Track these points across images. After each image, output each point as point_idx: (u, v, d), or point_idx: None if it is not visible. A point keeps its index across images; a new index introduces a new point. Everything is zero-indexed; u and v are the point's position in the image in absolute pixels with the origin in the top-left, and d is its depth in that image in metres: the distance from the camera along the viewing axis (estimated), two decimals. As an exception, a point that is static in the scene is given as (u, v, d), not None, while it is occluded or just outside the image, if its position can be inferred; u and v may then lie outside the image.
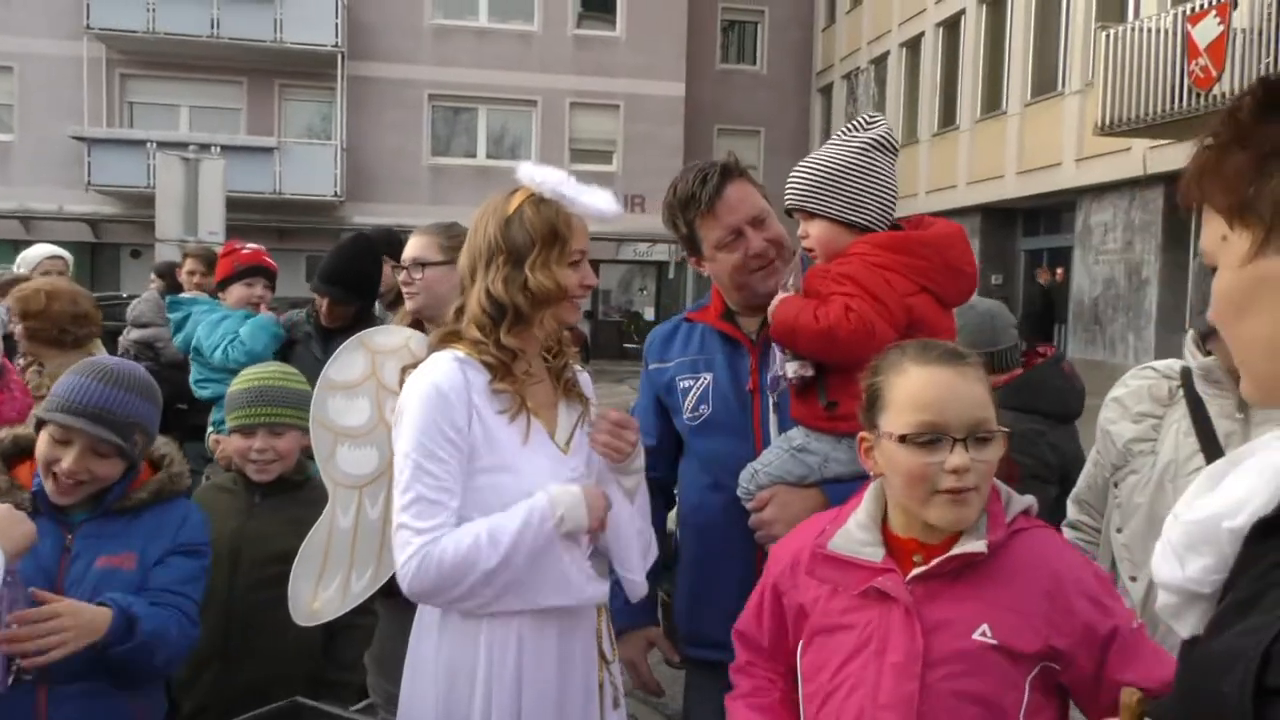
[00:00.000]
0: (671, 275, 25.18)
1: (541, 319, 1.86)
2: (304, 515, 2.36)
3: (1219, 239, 0.89)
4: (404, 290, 2.74)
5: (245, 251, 4.25)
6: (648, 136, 24.19)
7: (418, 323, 2.64)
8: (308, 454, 2.55)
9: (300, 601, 2.21)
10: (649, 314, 25.17)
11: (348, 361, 2.37)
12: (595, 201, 1.91)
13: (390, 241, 4.00)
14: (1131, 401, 2.19)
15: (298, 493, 2.55)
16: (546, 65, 23.60)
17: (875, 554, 1.50)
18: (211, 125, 21.85)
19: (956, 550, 1.44)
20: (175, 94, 22.38)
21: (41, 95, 21.17)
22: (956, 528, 1.47)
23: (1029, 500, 1.54)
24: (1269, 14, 10.59)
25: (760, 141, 26.28)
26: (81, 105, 21.25)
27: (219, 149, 15.33)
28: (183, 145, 15.31)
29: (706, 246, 2.17)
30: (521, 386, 1.86)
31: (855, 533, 1.53)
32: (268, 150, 21.48)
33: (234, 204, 12.67)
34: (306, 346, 3.83)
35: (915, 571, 1.46)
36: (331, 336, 3.67)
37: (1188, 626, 0.90)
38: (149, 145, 19.02)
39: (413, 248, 2.72)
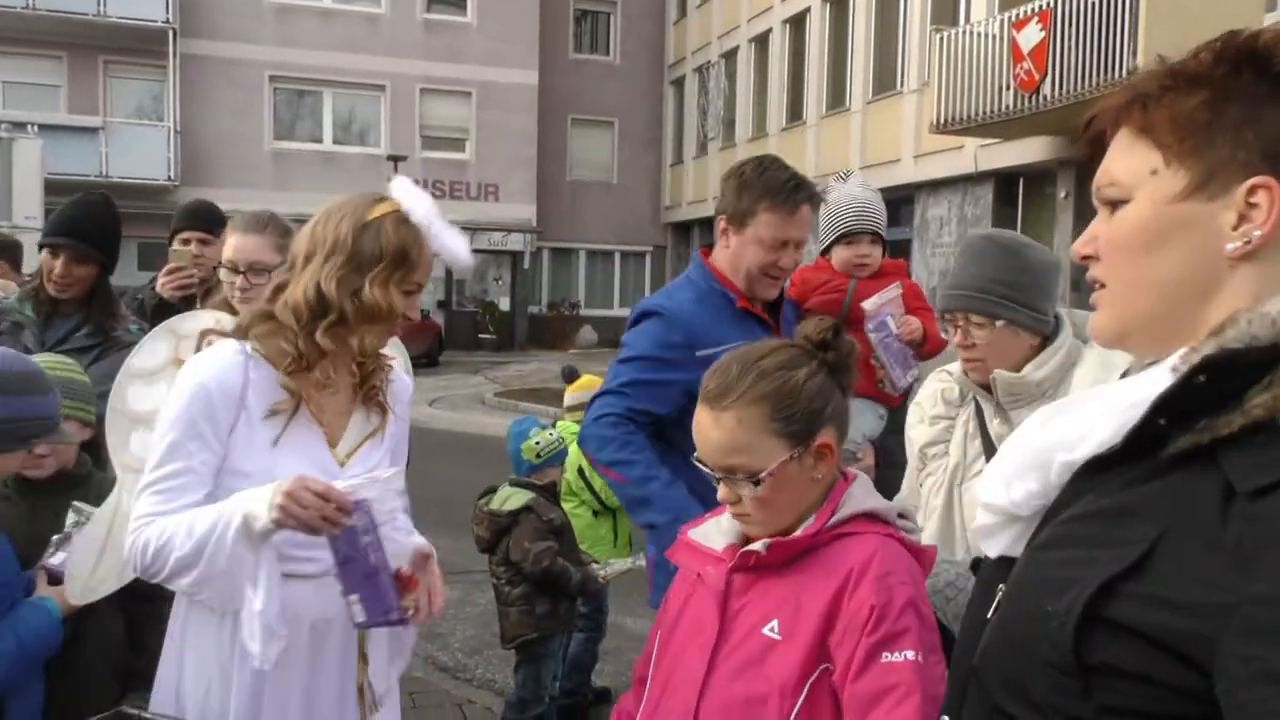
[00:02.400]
0: (527, 265, 25.02)
1: (362, 334, 1.81)
2: None
3: (1146, 171, 0.88)
4: (238, 294, 2.58)
5: None
6: (501, 125, 23.93)
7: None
8: (89, 449, 2.40)
9: (77, 579, 2.11)
10: (504, 304, 24.95)
11: (152, 349, 2.24)
12: (456, 246, 1.87)
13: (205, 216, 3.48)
14: (928, 405, 2.27)
15: (85, 490, 2.33)
16: (395, 49, 23.01)
17: (720, 542, 1.56)
18: (27, 102, 20.27)
19: (748, 547, 1.50)
20: (-16, 67, 20.71)
21: None
22: (750, 535, 1.54)
23: (874, 505, 1.51)
24: (1086, 22, 11.34)
25: (614, 132, 26.39)
26: (-126, 77, 19.41)
27: (36, 128, 14.28)
28: (-6, 123, 14.17)
29: (751, 228, 2.45)
30: (310, 390, 1.80)
31: (722, 521, 1.59)
32: (92, 130, 20.16)
33: (54, 187, 11.85)
34: (15, 338, 3.03)
35: (732, 564, 1.51)
36: (53, 321, 3.09)
37: (997, 546, 0.96)
38: (-45, 122, 17.53)
39: (245, 250, 2.53)
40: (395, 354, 2.12)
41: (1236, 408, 0.77)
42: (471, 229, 23.66)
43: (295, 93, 23.08)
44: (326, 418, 1.84)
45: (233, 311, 2.45)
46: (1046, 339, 2.05)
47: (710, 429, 1.50)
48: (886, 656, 1.36)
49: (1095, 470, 0.87)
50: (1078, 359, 2.03)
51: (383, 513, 1.70)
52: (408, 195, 1.84)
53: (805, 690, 1.40)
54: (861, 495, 1.53)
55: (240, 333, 1.83)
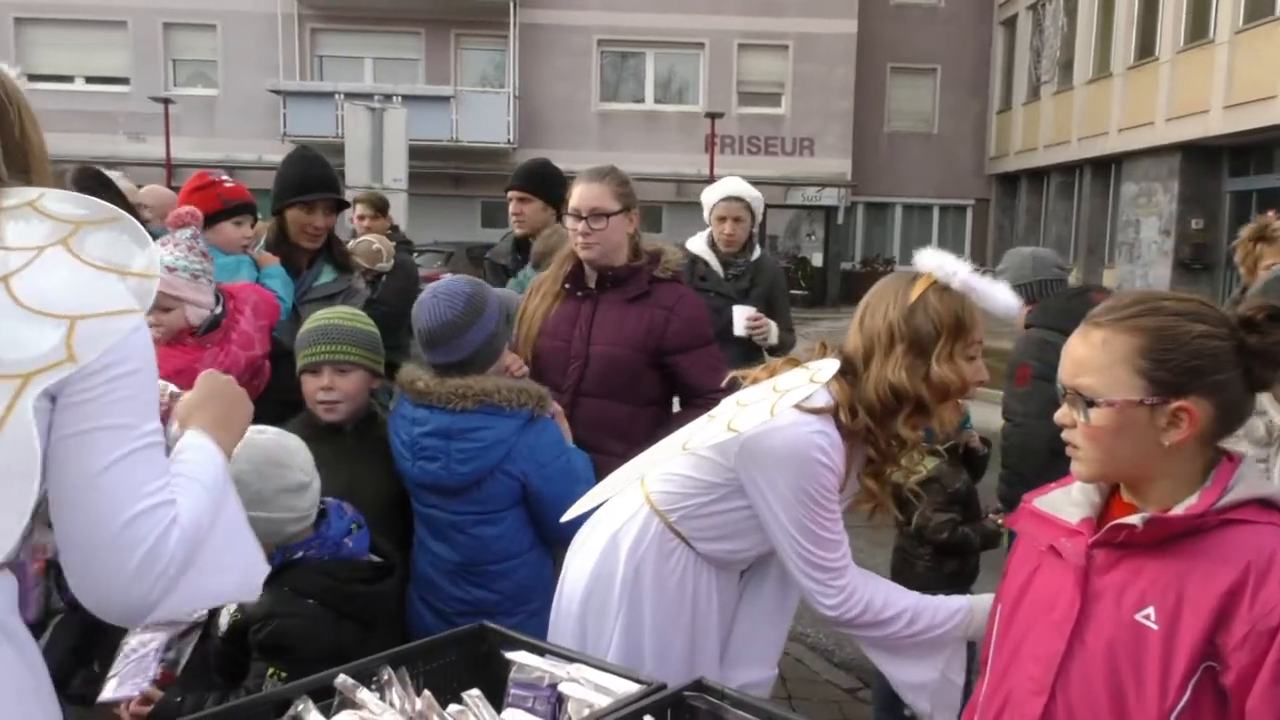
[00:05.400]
0: (840, 220, 24.61)
1: (940, 414, 1.89)
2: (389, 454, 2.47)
3: None
4: (580, 239, 2.80)
5: (229, 185, 3.42)
6: (817, 77, 23.56)
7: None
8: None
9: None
10: (816, 260, 24.74)
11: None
12: (999, 295, 1.88)
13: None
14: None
15: (379, 433, 2.52)
16: (714, 6, 23.25)
17: (1074, 514, 1.47)
18: (394, 76, 22.72)
19: (1119, 520, 1.39)
20: (360, 46, 23.37)
21: (241, 51, 22.57)
22: (1079, 480, 1.46)
23: (1271, 492, 1.36)
24: None
25: (936, 79, 25.13)
26: (277, 60, 22.52)
27: (400, 99, 15.96)
28: (368, 96, 16.02)
29: None
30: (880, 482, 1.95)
31: (1074, 492, 1.51)
32: (445, 99, 22.17)
33: (414, 152, 13.18)
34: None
35: (1096, 537, 1.41)
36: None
37: None
38: (337, 96, 19.99)
39: (588, 198, 2.76)
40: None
41: None
42: (784, 185, 23.61)
43: (619, 55, 24.04)
44: None
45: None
46: None
47: (1077, 343, 1.43)
48: None
49: None
50: None
51: None
52: (943, 264, 1.88)
53: (1190, 689, 1.31)
54: (1255, 479, 1.37)
55: (839, 413, 1.89)
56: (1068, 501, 1.50)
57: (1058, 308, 3.30)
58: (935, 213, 25.63)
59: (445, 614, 2.47)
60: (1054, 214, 22.48)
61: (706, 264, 4.26)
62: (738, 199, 4.25)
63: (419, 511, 2.53)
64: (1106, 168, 20.34)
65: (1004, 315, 1.91)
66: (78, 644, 2.41)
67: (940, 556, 3.59)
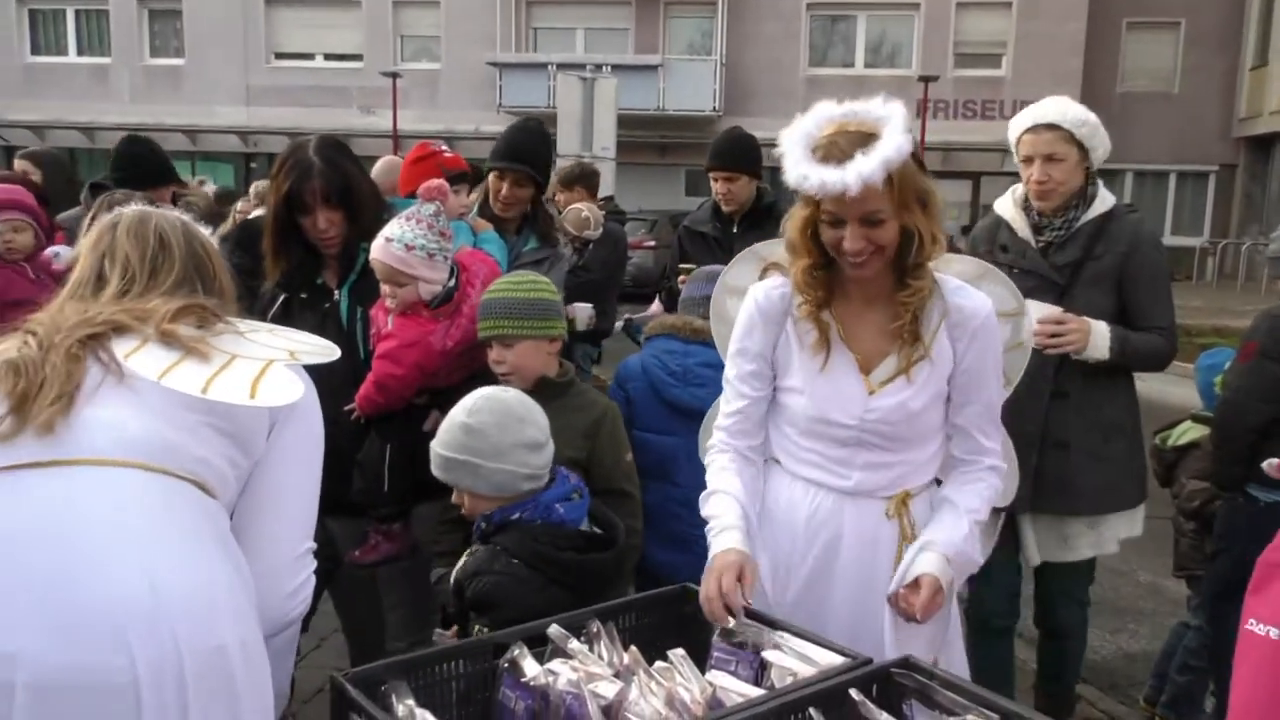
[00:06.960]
0: (1061, 188, 23.11)
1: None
2: (573, 421, 2.44)
3: None
4: None
5: (449, 155, 3.55)
6: (1044, 35, 22.11)
7: None
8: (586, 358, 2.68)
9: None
10: (1033, 230, 23.40)
11: (742, 269, 2.56)
12: (811, 173, 1.80)
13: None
14: None
15: (562, 399, 2.49)
16: (932, -36, 22.25)
17: None
18: (604, 46, 23.11)
19: None
20: (571, 17, 23.90)
21: (462, 25, 23.58)
22: None
23: None
24: None
25: (1179, 34, 23.05)
26: (494, 33, 23.39)
27: (610, 68, 16.23)
28: (579, 66, 16.37)
29: None
30: (844, 320, 1.96)
31: None
32: (652, 68, 22.35)
33: (622, 121, 13.40)
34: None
35: None
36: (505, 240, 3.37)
37: None
38: (550, 67, 20.56)
39: None
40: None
41: None
42: (1002, 151, 22.33)
43: (829, 19, 23.44)
44: (862, 346, 1.96)
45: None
46: None
47: None
48: None
49: None
50: None
51: None
52: (781, 135, 1.90)
53: None
54: None
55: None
56: None
57: None
58: (1171, 180, 23.63)
59: (689, 541, 2.53)
60: (1314, 181, 20.25)
61: (1011, 230, 3.00)
62: (1049, 126, 2.86)
63: (659, 446, 2.80)
64: (1382, 129, 18.10)
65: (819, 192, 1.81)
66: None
67: (1202, 534, 3.38)
